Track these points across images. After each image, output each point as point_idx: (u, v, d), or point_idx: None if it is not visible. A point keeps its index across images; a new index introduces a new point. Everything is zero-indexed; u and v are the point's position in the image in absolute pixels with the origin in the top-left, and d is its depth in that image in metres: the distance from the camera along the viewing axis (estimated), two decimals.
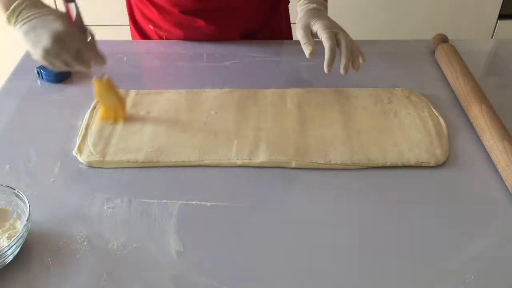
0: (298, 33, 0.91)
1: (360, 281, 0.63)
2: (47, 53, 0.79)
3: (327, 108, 0.91)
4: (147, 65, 1.05)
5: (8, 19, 0.82)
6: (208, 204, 0.73)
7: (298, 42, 1.13)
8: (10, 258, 0.64)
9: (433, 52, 1.08)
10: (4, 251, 0.62)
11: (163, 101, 0.93)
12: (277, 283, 0.63)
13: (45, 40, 0.78)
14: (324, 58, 0.86)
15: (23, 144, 0.83)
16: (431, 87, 0.98)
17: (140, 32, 1.19)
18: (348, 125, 0.87)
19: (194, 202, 0.73)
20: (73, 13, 0.80)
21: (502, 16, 2.00)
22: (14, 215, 0.68)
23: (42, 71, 0.98)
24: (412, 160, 0.80)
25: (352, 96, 0.94)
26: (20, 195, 0.68)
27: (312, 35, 0.90)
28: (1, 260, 0.63)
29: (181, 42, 1.11)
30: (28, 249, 0.66)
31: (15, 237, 0.63)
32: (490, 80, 1.00)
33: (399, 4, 1.98)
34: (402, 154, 0.80)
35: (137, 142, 0.83)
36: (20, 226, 0.67)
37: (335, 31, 0.88)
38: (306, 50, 0.87)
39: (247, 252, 0.67)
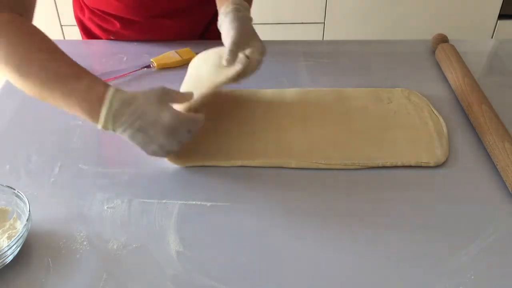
0: None
1: (360, 280, 0.63)
2: (161, 148, 0.74)
3: (327, 108, 0.91)
4: None
5: (104, 127, 0.72)
6: (208, 204, 0.73)
7: (298, 42, 1.13)
8: (10, 258, 0.64)
9: (433, 52, 1.08)
10: (4, 251, 0.62)
11: None
12: (277, 283, 0.63)
13: (157, 140, 0.72)
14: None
15: (23, 144, 0.83)
16: (431, 87, 0.98)
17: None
18: (348, 125, 0.87)
19: (194, 202, 0.73)
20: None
21: (502, 16, 2.01)
22: (14, 215, 0.68)
23: None
24: (412, 160, 0.80)
25: (352, 96, 0.94)
26: (20, 195, 0.68)
27: None
28: (1, 260, 0.63)
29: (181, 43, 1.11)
30: (28, 249, 0.66)
31: (15, 237, 0.63)
32: (490, 80, 1.00)
33: (399, 4, 1.99)
34: (402, 154, 0.80)
35: None
36: (20, 226, 0.67)
37: None
38: None
39: (247, 252, 0.67)
